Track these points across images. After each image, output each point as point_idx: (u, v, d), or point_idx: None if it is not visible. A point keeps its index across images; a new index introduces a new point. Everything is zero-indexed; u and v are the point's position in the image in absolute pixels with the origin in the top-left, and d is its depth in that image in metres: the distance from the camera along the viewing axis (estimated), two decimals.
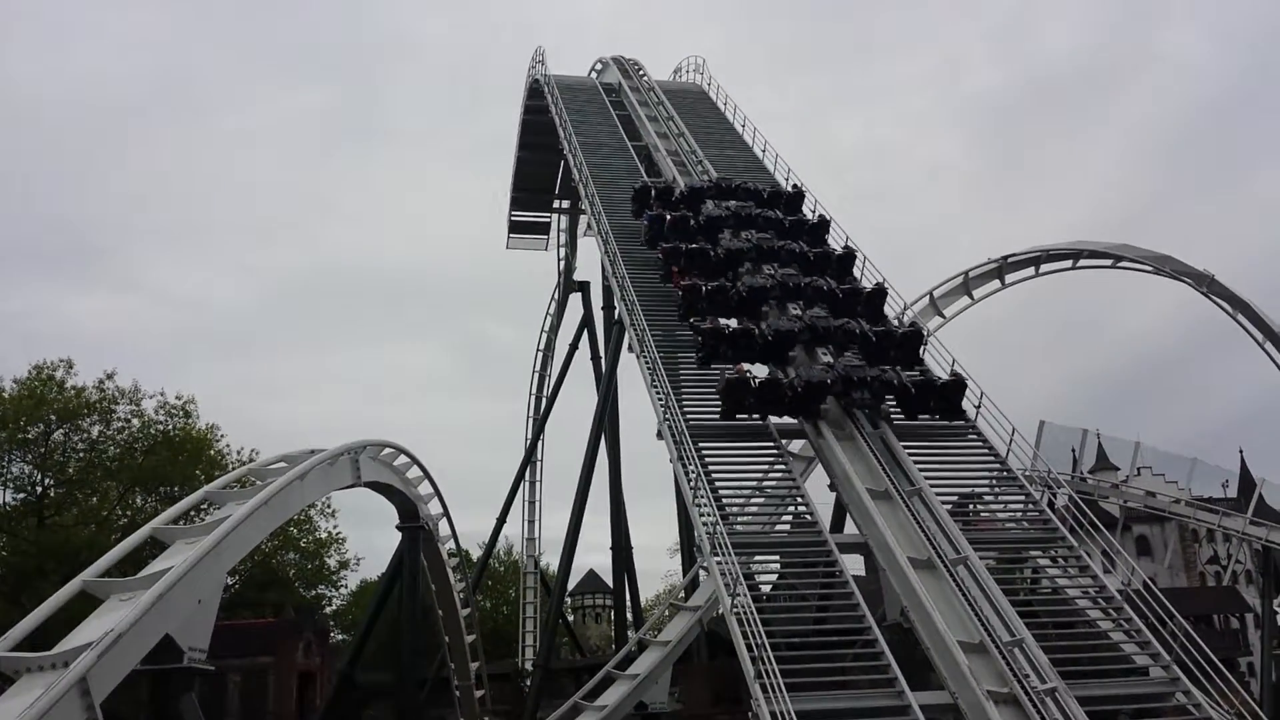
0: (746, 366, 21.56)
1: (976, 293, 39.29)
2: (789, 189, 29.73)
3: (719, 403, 20.98)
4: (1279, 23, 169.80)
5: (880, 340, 22.25)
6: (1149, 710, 15.72)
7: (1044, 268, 41.62)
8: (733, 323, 22.67)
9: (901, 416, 21.18)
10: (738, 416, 20.76)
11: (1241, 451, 66.89)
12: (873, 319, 22.97)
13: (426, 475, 29.13)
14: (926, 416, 21.31)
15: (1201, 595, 66.01)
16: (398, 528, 29.67)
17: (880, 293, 23.85)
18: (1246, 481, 61.42)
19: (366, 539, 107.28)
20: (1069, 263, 42.33)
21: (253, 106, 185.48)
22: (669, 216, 26.96)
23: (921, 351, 22.68)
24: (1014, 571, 19.32)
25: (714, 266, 24.96)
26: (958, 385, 21.20)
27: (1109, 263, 42.77)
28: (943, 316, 37.55)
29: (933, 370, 22.25)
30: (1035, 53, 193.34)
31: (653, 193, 28.60)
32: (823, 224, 27.54)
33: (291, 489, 19.37)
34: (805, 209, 28.64)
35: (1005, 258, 40.11)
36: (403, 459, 27.40)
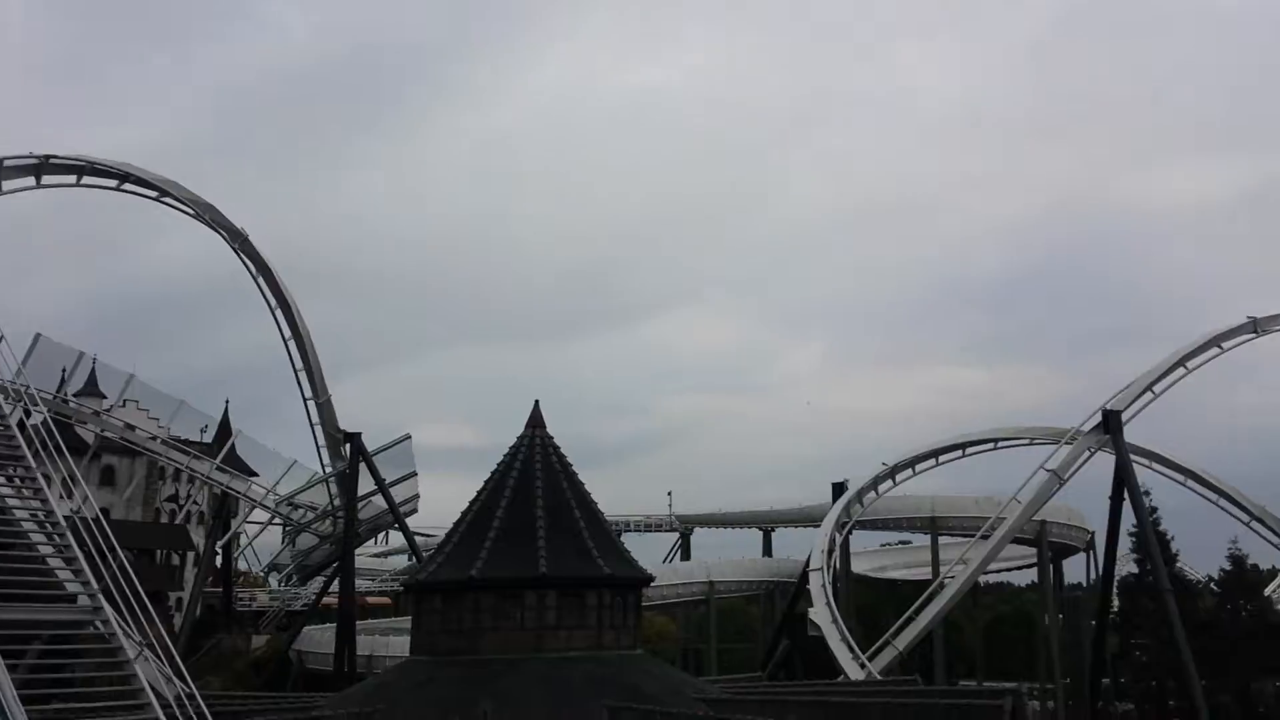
0: None
1: (7, 184, 35.95)
2: None
3: None
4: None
5: None
6: (66, 635, 15.79)
7: (89, 179, 39.80)
8: None
9: None
10: None
11: (228, 402, 71.07)
12: None
13: None
14: None
15: (152, 530, 68.10)
16: None
17: None
18: (225, 430, 65.30)
19: None
20: (115, 182, 41.05)
21: None
22: None
23: None
24: None
25: None
26: None
27: (154, 194, 42.49)
28: None
29: None
30: None
31: None
32: None
33: None
34: None
35: (46, 157, 37.34)
36: None
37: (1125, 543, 51.49)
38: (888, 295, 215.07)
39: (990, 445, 56.26)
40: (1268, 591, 57.01)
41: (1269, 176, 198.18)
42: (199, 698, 15.65)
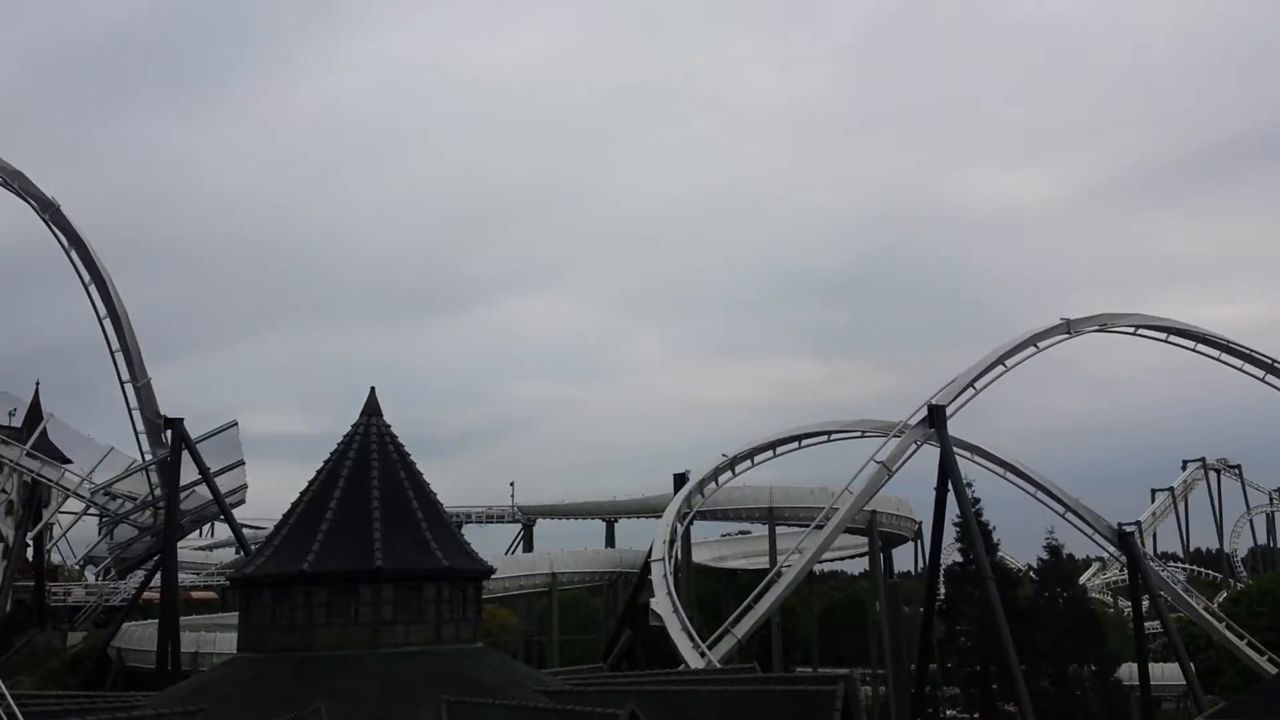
0: None
1: None
2: None
3: None
4: None
5: None
6: None
7: None
8: None
9: None
10: None
11: (39, 383, 66.88)
12: None
13: None
14: None
15: None
16: None
17: None
18: (36, 414, 61.68)
19: None
20: None
21: None
22: None
23: None
24: None
25: None
26: None
27: None
28: None
29: None
30: None
31: None
32: None
33: None
34: None
35: None
36: None
37: (950, 532, 53.67)
38: (726, 286, 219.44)
39: (824, 437, 57.83)
40: (1082, 580, 60.38)
41: (1091, 182, 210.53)
42: (9, 698, 14.73)
